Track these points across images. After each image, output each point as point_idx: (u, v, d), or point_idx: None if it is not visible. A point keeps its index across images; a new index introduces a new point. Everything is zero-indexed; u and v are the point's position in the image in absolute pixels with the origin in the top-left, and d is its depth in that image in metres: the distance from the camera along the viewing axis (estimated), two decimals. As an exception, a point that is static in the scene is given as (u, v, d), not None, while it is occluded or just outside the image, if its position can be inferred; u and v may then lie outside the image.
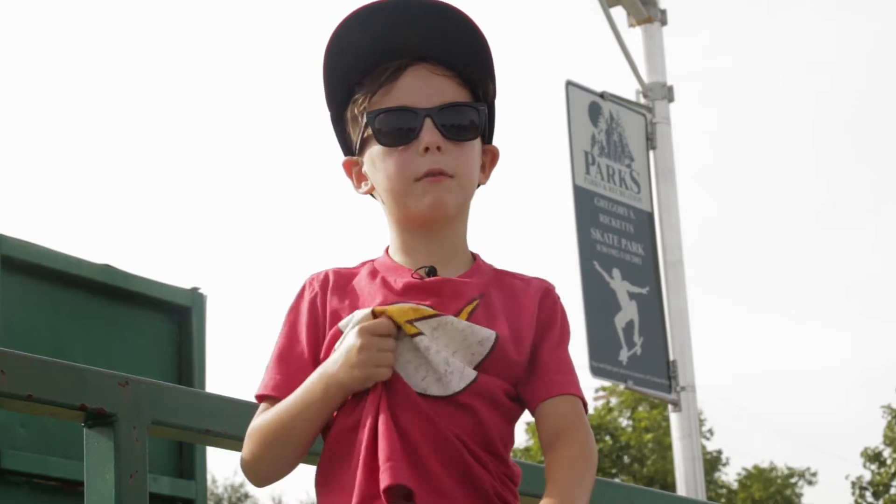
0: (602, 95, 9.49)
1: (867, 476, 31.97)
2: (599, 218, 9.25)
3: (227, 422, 2.52)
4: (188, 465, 5.44)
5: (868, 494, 31.87)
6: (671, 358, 9.28)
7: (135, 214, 55.15)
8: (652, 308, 9.36)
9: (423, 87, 2.10)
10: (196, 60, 59.30)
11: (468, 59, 2.13)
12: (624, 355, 9.01)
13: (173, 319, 5.56)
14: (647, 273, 9.46)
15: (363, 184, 2.17)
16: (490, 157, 2.21)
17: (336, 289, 2.12)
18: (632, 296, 9.27)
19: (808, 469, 36.70)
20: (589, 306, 8.93)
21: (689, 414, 9.23)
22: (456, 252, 2.14)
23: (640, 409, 34.17)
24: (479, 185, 2.20)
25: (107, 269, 5.31)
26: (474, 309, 2.06)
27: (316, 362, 2.05)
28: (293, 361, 2.08)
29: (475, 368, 2.01)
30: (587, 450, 2.01)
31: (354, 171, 2.19)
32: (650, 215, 9.63)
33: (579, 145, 9.28)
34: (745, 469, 36.60)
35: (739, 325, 53.97)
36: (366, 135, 2.13)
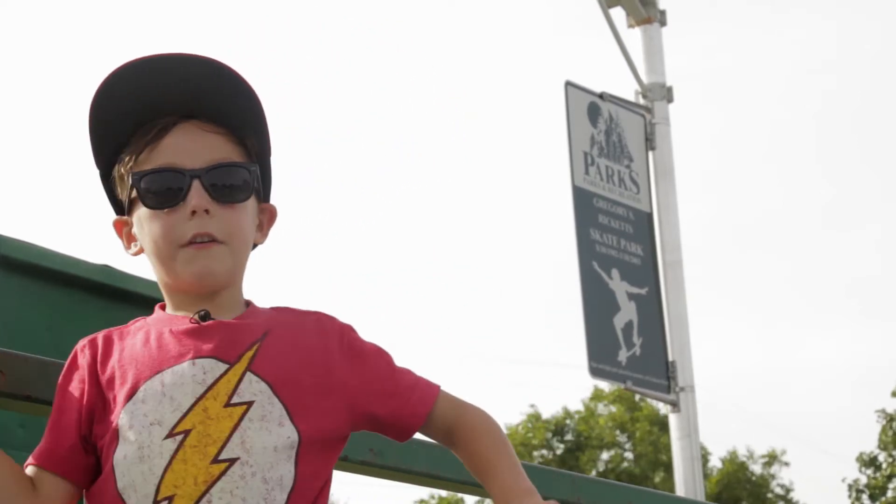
0: (601, 96, 9.49)
1: (863, 480, 31.94)
2: (598, 218, 9.26)
3: (227, 422, 2.51)
4: (187, 466, 5.44)
5: (864, 497, 31.84)
6: (670, 358, 9.29)
7: (134, 215, 55.11)
8: (651, 308, 9.36)
9: (190, 146, 1.98)
10: (195, 61, 59.25)
11: (238, 115, 2.02)
12: (623, 356, 9.01)
13: (172, 319, 5.57)
14: (646, 273, 9.47)
15: (133, 244, 2.07)
16: (268, 216, 2.11)
17: (108, 352, 2.04)
18: (631, 296, 9.27)
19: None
20: (588, 307, 8.94)
21: (689, 414, 9.23)
22: (230, 307, 2.02)
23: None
24: (255, 245, 2.08)
25: (106, 269, 5.29)
26: (255, 354, 1.94)
27: (81, 427, 1.97)
28: (60, 431, 1.98)
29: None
30: (490, 424, 2.01)
31: (125, 232, 2.07)
32: (649, 216, 9.63)
33: (578, 146, 9.28)
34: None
35: (739, 325, 53.98)
36: (133, 196, 2.01)
